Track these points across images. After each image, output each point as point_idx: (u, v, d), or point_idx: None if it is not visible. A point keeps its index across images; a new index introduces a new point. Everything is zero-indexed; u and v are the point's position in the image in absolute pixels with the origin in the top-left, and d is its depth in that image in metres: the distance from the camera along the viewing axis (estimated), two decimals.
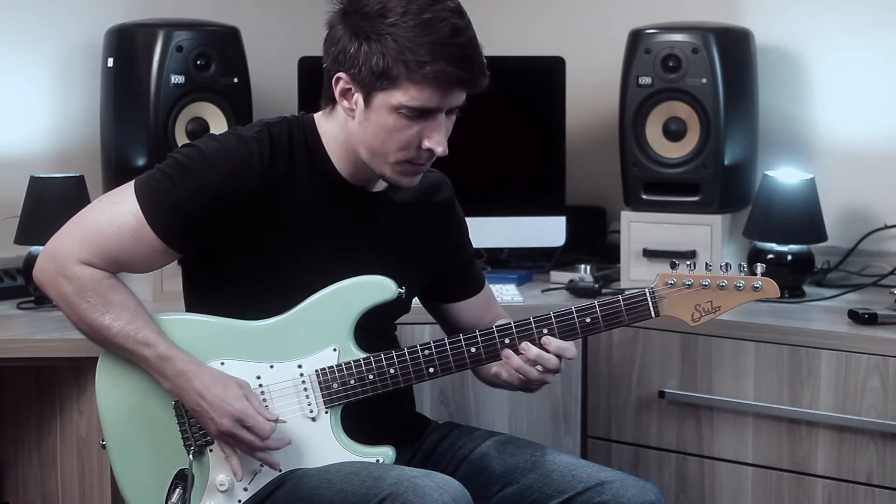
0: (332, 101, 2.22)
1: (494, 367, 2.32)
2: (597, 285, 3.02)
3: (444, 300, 2.45)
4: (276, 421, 2.18)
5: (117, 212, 2.19)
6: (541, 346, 2.22)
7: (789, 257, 2.98)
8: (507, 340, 2.23)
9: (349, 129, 2.19)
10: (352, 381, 2.22)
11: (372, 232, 2.28)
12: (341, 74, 2.16)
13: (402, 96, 2.11)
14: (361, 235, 2.27)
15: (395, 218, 2.31)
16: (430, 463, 2.34)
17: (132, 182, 2.21)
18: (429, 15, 2.10)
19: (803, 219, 2.99)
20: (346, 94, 2.17)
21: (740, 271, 2.24)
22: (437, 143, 2.15)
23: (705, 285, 2.23)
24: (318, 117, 2.27)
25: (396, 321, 2.41)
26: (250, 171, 2.17)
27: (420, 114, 2.13)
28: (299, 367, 2.22)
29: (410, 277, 2.31)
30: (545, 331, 2.23)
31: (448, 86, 2.12)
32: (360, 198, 2.27)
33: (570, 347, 2.23)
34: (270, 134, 2.22)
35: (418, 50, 2.09)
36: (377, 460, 2.21)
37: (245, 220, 2.19)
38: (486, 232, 3.07)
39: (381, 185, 2.29)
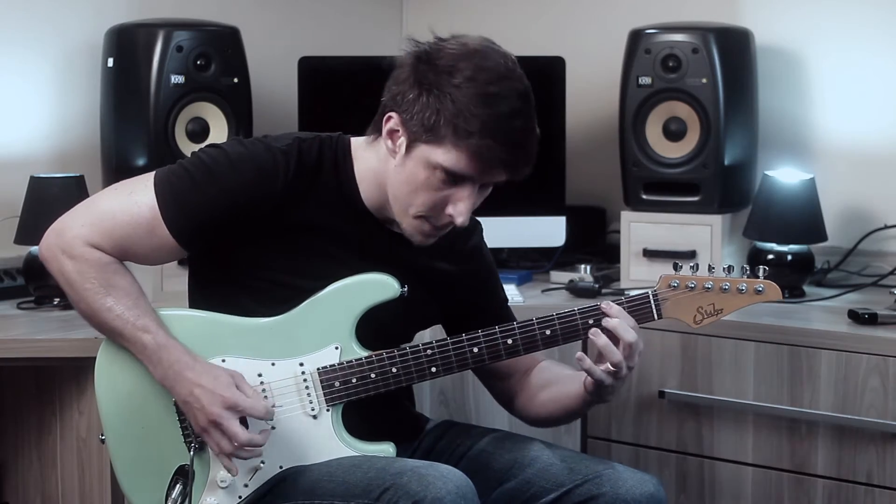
0: (377, 132, 2.21)
1: (562, 387, 2.31)
2: (597, 285, 3.02)
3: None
4: (274, 406, 2.17)
5: (133, 202, 2.18)
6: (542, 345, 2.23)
7: (789, 257, 2.98)
8: (509, 341, 2.22)
9: (386, 168, 2.19)
10: (353, 380, 2.22)
11: (386, 259, 2.26)
12: (393, 114, 2.15)
13: (442, 156, 2.11)
14: (376, 260, 2.25)
15: (415, 255, 2.28)
16: (430, 460, 2.34)
17: (151, 174, 2.20)
18: (494, 89, 2.09)
19: (803, 219, 2.99)
20: (392, 134, 2.16)
21: (742, 274, 2.24)
22: (459, 212, 2.14)
23: (708, 288, 2.23)
24: (357, 142, 2.26)
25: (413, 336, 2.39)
26: (273, 182, 2.17)
27: (454, 179, 2.13)
28: (301, 364, 2.22)
29: (427, 315, 2.33)
30: (548, 331, 2.22)
31: (489, 163, 2.11)
32: (380, 231, 2.26)
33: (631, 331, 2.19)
34: (300, 149, 2.20)
35: (472, 120, 2.08)
36: None
37: (260, 229, 2.19)
38: (487, 232, 3.07)
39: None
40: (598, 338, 2.17)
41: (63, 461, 2.72)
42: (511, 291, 3.00)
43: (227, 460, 2.15)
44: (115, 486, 2.60)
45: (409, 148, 2.14)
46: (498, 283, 2.44)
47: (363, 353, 2.22)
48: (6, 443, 2.81)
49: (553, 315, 2.23)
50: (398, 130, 2.15)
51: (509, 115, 2.10)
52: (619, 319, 2.18)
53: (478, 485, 2.20)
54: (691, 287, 2.23)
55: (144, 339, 2.16)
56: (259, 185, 2.16)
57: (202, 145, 2.36)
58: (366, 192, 2.23)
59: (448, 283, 2.35)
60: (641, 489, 2.19)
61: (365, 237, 2.26)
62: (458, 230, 2.25)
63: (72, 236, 2.17)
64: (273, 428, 2.19)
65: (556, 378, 2.35)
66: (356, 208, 2.24)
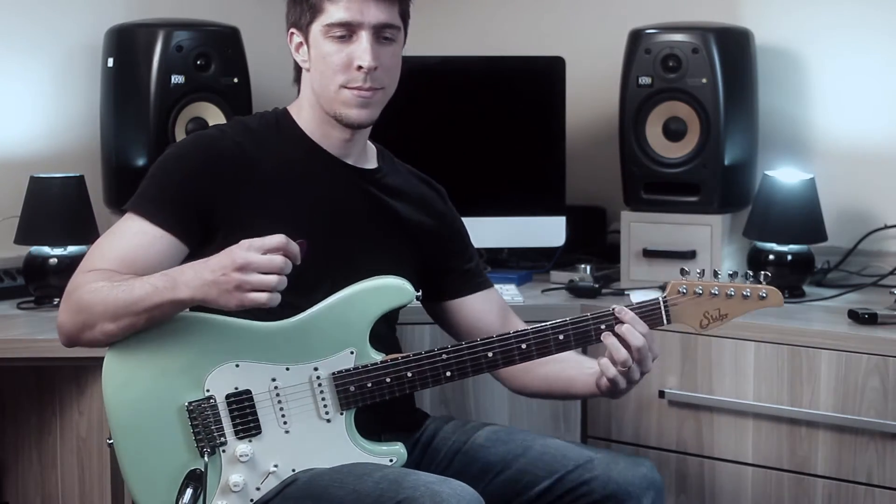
0: (297, 74, 2.38)
1: (570, 372, 2.34)
2: (597, 285, 3.01)
3: (444, 297, 2.45)
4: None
5: (116, 228, 2.28)
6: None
7: (789, 257, 2.98)
8: (523, 346, 2.23)
9: (312, 87, 2.34)
10: (368, 384, 2.22)
11: (357, 204, 2.35)
12: (292, 30, 2.35)
13: (326, 17, 2.28)
14: (348, 207, 2.33)
15: (382, 196, 2.38)
16: (427, 456, 2.36)
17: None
18: None
19: (803, 219, 2.99)
20: (299, 48, 2.35)
21: (746, 280, 2.26)
22: (360, 57, 2.26)
23: (714, 294, 2.25)
24: (291, 105, 2.40)
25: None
26: (222, 151, 2.29)
27: (347, 32, 2.27)
28: (315, 369, 2.22)
29: (402, 253, 2.35)
30: (561, 336, 2.23)
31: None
32: (345, 171, 2.35)
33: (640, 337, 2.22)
34: (243, 121, 2.39)
35: None
36: (390, 460, 2.22)
37: (230, 197, 2.26)
38: (486, 232, 3.07)
39: (367, 161, 2.39)
40: (607, 338, 2.22)
41: (63, 461, 2.72)
42: (511, 291, 3.00)
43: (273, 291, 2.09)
44: (115, 486, 2.60)
45: (307, 39, 2.32)
46: (472, 248, 2.51)
47: (378, 358, 2.23)
48: (6, 443, 2.81)
49: (567, 320, 2.24)
50: (301, 42, 2.34)
51: None
52: (628, 325, 2.21)
53: (473, 479, 2.22)
54: (699, 293, 2.25)
55: (156, 281, 2.12)
56: (212, 148, 2.30)
57: None
58: (310, 127, 2.36)
59: (416, 230, 2.41)
60: (634, 471, 2.21)
61: (334, 181, 2.35)
62: (421, 179, 2.45)
63: (74, 276, 2.23)
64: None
65: (560, 357, 2.34)
66: (314, 153, 2.35)
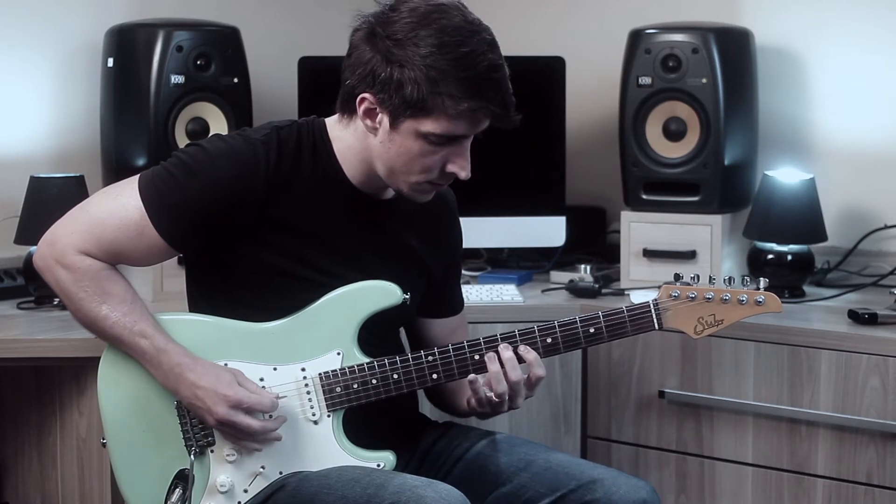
0: (350, 113, 2.20)
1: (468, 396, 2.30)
2: (597, 285, 3.01)
3: (423, 314, 2.42)
4: (278, 397, 2.18)
5: (120, 205, 2.19)
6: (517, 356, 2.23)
7: (789, 257, 2.98)
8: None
9: (368, 144, 2.19)
10: (355, 386, 2.22)
11: (377, 238, 2.28)
12: (367, 95, 2.15)
13: (433, 125, 2.12)
14: (367, 241, 2.27)
15: (400, 226, 2.31)
16: (427, 462, 2.34)
17: (136, 177, 2.21)
18: (466, 49, 2.10)
19: (803, 219, 2.99)
20: (370, 113, 2.16)
21: (743, 285, 2.25)
22: (461, 167, 2.17)
23: (709, 298, 2.24)
24: (331, 123, 2.26)
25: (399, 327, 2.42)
26: (255, 173, 2.17)
27: (447, 141, 2.14)
28: (303, 370, 2.22)
29: (413, 285, 2.31)
30: (549, 339, 2.23)
31: (481, 120, 2.15)
32: (368, 204, 2.27)
33: (541, 366, 2.23)
34: (279, 136, 2.21)
35: (457, 86, 2.09)
36: (378, 465, 2.21)
37: (249, 222, 2.19)
38: (486, 232, 3.07)
39: (389, 193, 2.29)
40: (492, 363, 2.21)
41: (63, 461, 2.72)
42: (511, 291, 3.00)
43: (252, 446, 2.18)
44: (115, 486, 2.59)
45: (393, 124, 2.14)
46: (460, 270, 2.50)
47: (365, 360, 2.22)
48: (6, 443, 2.81)
49: (554, 323, 2.24)
50: (375, 109, 2.15)
51: (489, 70, 2.12)
52: (510, 353, 2.21)
53: (473, 489, 2.20)
54: (692, 297, 2.24)
55: (143, 345, 2.17)
56: (242, 178, 2.16)
57: None
58: (350, 169, 2.23)
59: (429, 252, 2.36)
60: (635, 495, 2.20)
61: (356, 214, 2.26)
62: (436, 197, 2.28)
63: (63, 245, 2.18)
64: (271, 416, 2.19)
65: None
66: (342, 186, 2.24)
